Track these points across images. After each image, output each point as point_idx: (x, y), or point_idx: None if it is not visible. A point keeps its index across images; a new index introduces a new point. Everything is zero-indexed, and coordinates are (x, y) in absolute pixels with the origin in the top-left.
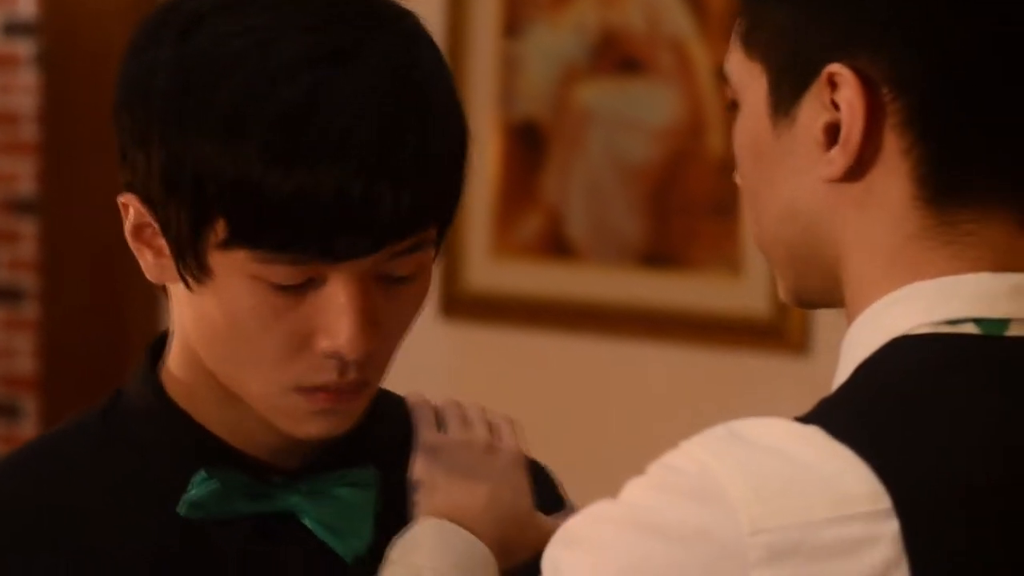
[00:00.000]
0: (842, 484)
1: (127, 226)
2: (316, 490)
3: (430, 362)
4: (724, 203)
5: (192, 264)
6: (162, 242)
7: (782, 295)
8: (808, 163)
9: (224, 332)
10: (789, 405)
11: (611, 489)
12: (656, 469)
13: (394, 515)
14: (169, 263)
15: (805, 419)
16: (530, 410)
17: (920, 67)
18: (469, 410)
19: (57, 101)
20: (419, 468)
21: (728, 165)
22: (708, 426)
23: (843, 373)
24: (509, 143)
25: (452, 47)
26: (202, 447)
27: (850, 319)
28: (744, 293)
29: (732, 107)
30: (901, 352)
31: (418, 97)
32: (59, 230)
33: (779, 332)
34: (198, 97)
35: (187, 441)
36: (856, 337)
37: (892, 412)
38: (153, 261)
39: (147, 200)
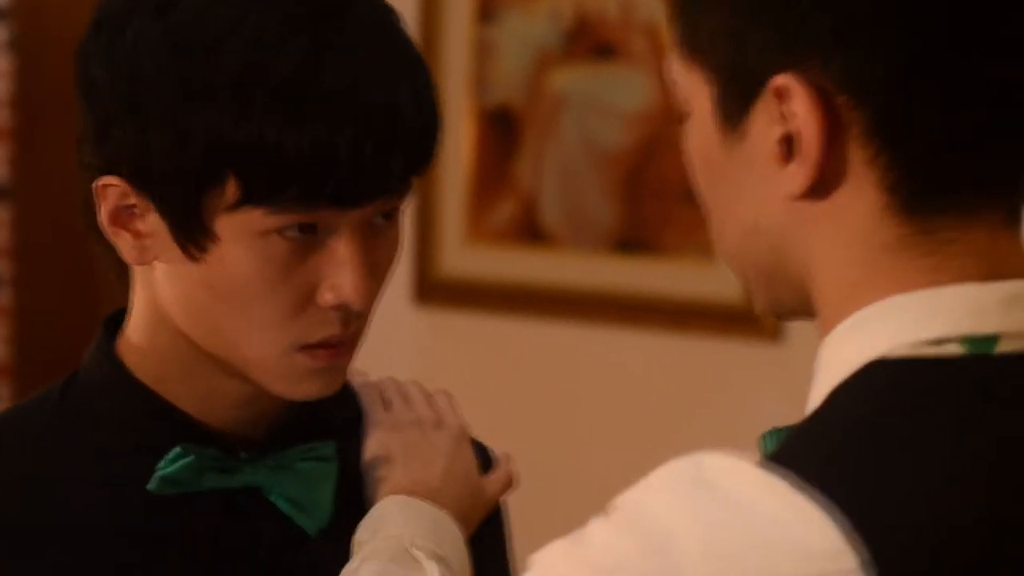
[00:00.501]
0: (807, 541)
1: (104, 210)
2: (281, 464)
3: (403, 347)
4: None
5: (198, 232)
6: (143, 223)
7: (757, 309)
8: (766, 179)
9: (227, 298)
10: (762, 392)
11: (584, 473)
12: (619, 510)
13: (352, 489)
14: (152, 242)
15: (776, 458)
16: (504, 395)
17: (878, 72)
18: (409, 388)
19: (31, 86)
20: (374, 448)
21: None
22: (680, 412)
23: (817, 396)
24: (483, 129)
25: (426, 32)
26: (169, 422)
27: (823, 336)
28: (718, 279)
29: (683, 117)
30: (879, 379)
31: (407, 48)
32: (33, 216)
33: (752, 318)
34: (199, 65)
35: (151, 415)
36: (829, 357)
37: (867, 455)
38: (133, 243)
39: (138, 177)
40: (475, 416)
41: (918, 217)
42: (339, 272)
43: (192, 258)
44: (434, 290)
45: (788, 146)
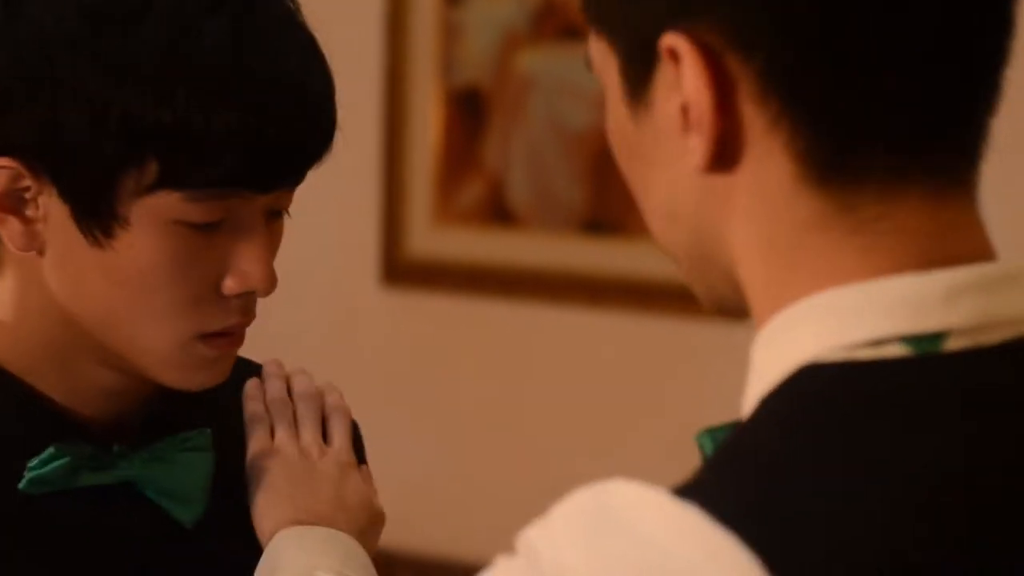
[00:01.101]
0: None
1: None
2: (154, 457)
3: (371, 329)
4: None
5: (106, 216)
6: (34, 207)
7: (701, 303)
8: (673, 154)
9: (127, 286)
10: (730, 372)
11: (552, 454)
12: (520, 549)
13: (229, 478)
14: (43, 228)
15: (691, 486)
16: (472, 376)
17: (765, 26)
18: (300, 403)
19: None
20: (258, 481)
21: None
22: (648, 392)
23: (748, 403)
24: (450, 110)
25: (394, 15)
26: (40, 415)
27: (756, 328)
28: None
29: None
30: (808, 387)
31: (309, 34)
32: None
33: None
34: (117, 44)
35: (20, 408)
36: (759, 360)
37: (786, 487)
38: (21, 229)
39: (39, 159)
40: (443, 397)
41: (835, 189)
42: (246, 260)
43: (95, 243)
44: (402, 271)
45: (687, 119)
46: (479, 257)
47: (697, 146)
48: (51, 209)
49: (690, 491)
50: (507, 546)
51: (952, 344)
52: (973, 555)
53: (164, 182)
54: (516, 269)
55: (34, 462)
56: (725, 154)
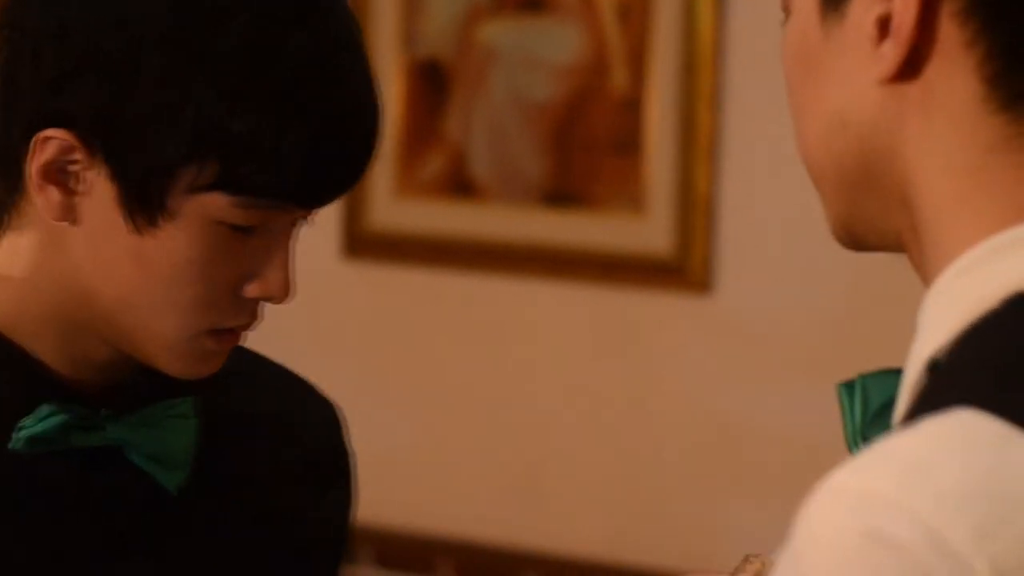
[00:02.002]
0: None
1: (37, 162)
2: (141, 422)
3: (333, 301)
4: (627, 141)
5: (154, 206)
6: (81, 181)
7: (831, 229)
8: (860, 64)
9: (156, 276)
10: (692, 343)
11: (514, 426)
12: (856, 537)
13: (215, 446)
14: (84, 203)
15: (949, 404)
16: (433, 348)
17: None
18: None
19: None
20: None
21: (631, 102)
22: (610, 365)
23: (936, 336)
24: (412, 83)
25: None
26: (34, 379)
27: (929, 258)
28: (647, 232)
29: (785, 15)
30: None
31: (368, 56)
32: None
33: (681, 271)
34: (201, 40)
35: (16, 371)
36: (954, 290)
37: None
38: (60, 200)
39: (95, 135)
40: (405, 370)
41: (1021, 116)
42: (270, 268)
43: (135, 230)
44: (363, 243)
45: (885, 27)
46: (441, 230)
47: (889, 54)
48: (96, 187)
49: (956, 398)
50: (469, 516)
51: None
52: None
53: (221, 185)
54: (478, 241)
55: (28, 419)
56: (915, 67)
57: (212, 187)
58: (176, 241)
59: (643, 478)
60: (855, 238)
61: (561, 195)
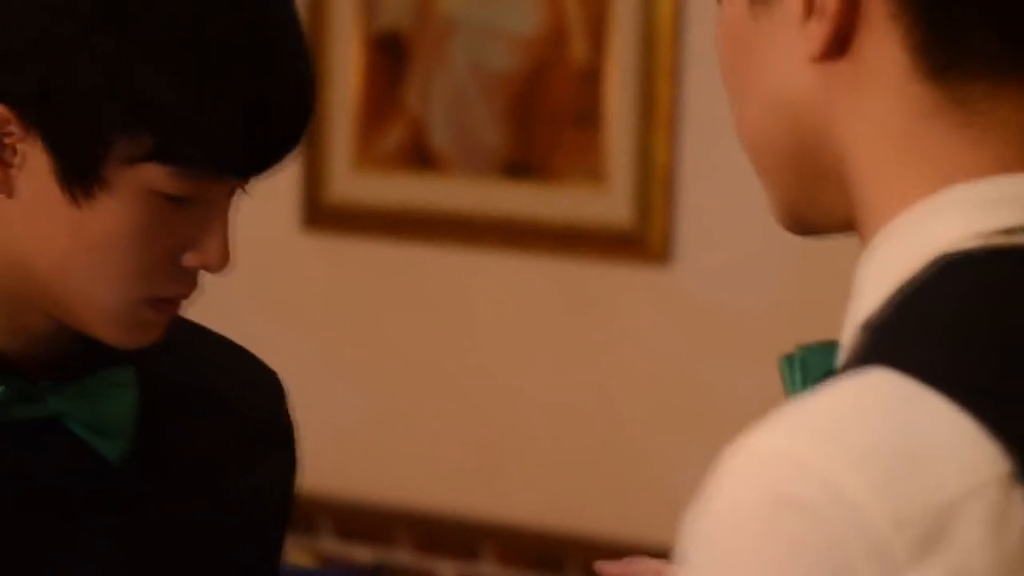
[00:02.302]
0: (960, 450)
1: None
2: (81, 393)
3: (292, 274)
4: (587, 113)
5: (91, 178)
6: (15, 155)
7: (775, 213)
8: (789, 44)
9: (94, 247)
10: (651, 314)
11: (475, 397)
12: (767, 497)
13: (154, 415)
14: (19, 176)
15: (866, 364)
16: (393, 320)
17: None
18: None
19: None
20: None
21: (590, 74)
22: (570, 336)
23: (869, 302)
24: (371, 54)
25: None
26: None
27: (864, 228)
28: (606, 203)
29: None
30: (960, 270)
31: (303, 31)
32: None
33: (641, 242)
34: (136, 14)
35: None
36: (885, 256)
37: (977, 345)
38: None
39: (37, 111)
40: (365, 341)
41: (948, 83)
42: (207, 237)
43: (72, 202)
44: (323, 216)
45: (811, 6)
46: (400, 201)
47: (817, 32)
48: (31, 159)
49: (869, 359)
50: (428, 487)
51: None
52: None
53: (156, 156)
54: (438, 213)
55: None
56: (843, 43)
57: (147, 159)
58: (112, 212)
59: (602, 448)
60: (800, 221)
61: (521, 166)
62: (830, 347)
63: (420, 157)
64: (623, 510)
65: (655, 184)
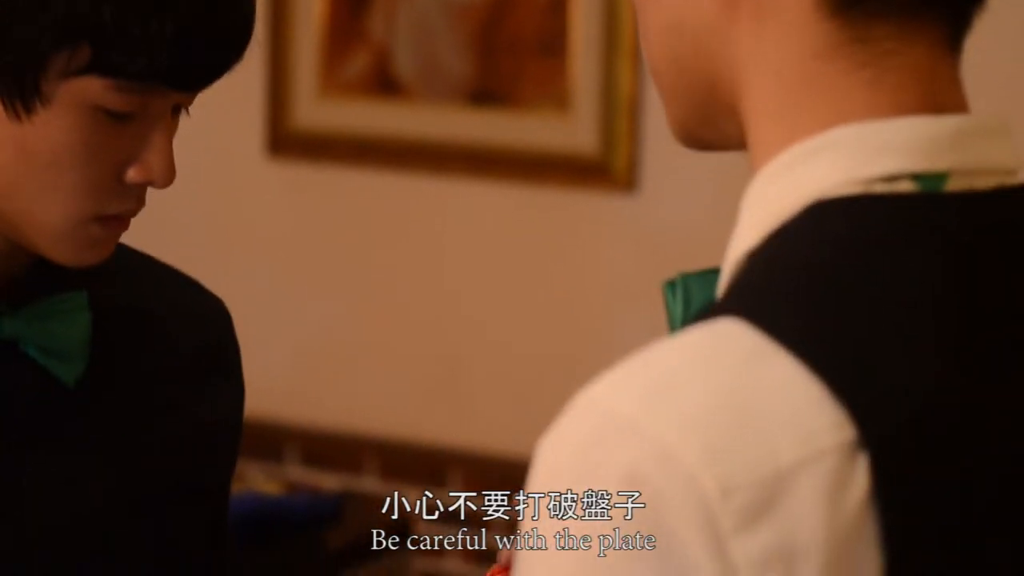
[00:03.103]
0: (801, 415)
1: None
2: (35, 316)
3: (257, 201)
4: (552, 41)
5: (30, 92)
6: None
7: (671, 129)
8: None
9: (37, 162)
10: (616, 242)
11: (439, 323)
12: (572, 442)
13: (108, 338)
14: None
15: (723, 310)
16: (358, 247)
17: None
18: None
19: None
20: None
21: (555, 2)
22: (535, 264)
23: (747, 237)
24: None
25: None
26: None
27: (754, 161)
28: (571, 131)
29: None
30: (833, 218)
31: None
32: None
33: (606, 170)
34: None
35: None
36: (765, 193)
37: (836, 303)
38: None
39: None
40: (329, 269)
41: (852, 20)
42: (152, 152)
43: (14, 117)
44: (288, 143)
45: None
46: (365, 128)
47: None
48: None
49: (726, 311)
50: (395, 415)
51: (952, 184)
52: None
53: (94, 68)
54: (402, 140)
55: None
56: None
57: (86, 71)
58: (54, 127)
59: (568, 376)
60: (693, 138)
61: (486, 94)
62: (712, 275)
63: (385, 84)
64: None
65: (620, 112)
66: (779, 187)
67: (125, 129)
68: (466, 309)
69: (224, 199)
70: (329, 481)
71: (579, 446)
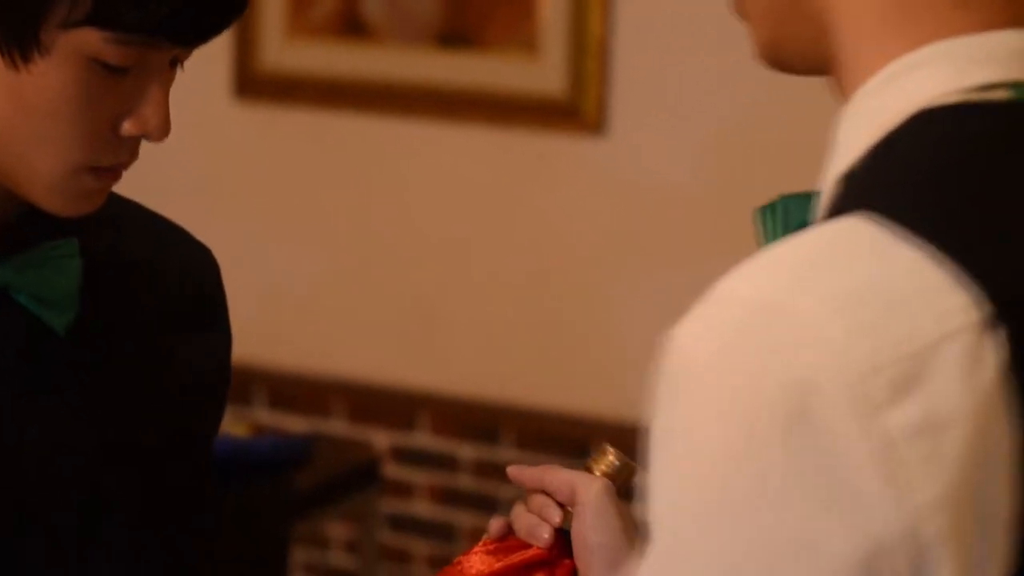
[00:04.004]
0: (933, 297)
1: None
2: (26, 263)
3: (224, 143)
4: None
5: (28, 41)
6: None
7: (756, 51)
8: None
9: (33, 111)
10: (585, 184)
11: (406, 265)
12: (716, 331)
13: (99, 287)
14: None
15: (840, 213)
16: (326, 190)
17: None
18: None
19: None
20: None
21: None
22: (503, 205)
23: (847, 155)
24: None
25: None
26: None
27: (845, 83)
28: (540, 73)
29: None
30: (940, 122)
31: None
32: None
33: (575, 112)
34: None
35: None
36: (867, 107)
37: (957, 194)
38: None
39: None
40: (297, 211)
41: None
42: (148, 106)
43: (11, 65)
44: (255, 85)
45: None
46: (333, 70)
47: None
48: None
49: (849, 207)
50: (362, 358)
51: None
52: None
53: (92, 20)
54: (370, 82)
55: None
56: None
57: (84, 23)
58: (51, 77)
59: (535, 317)
60: (780, 62)
61: (455, 36)
62: (808, 197)
63: (353, 26)
64: (557, 380)
65: (589, 54)
66: (882, 100)
67: (122, 82)
68: (434, 251)
69: (191, 142)
70: (297, 424)
71: (724, 334)
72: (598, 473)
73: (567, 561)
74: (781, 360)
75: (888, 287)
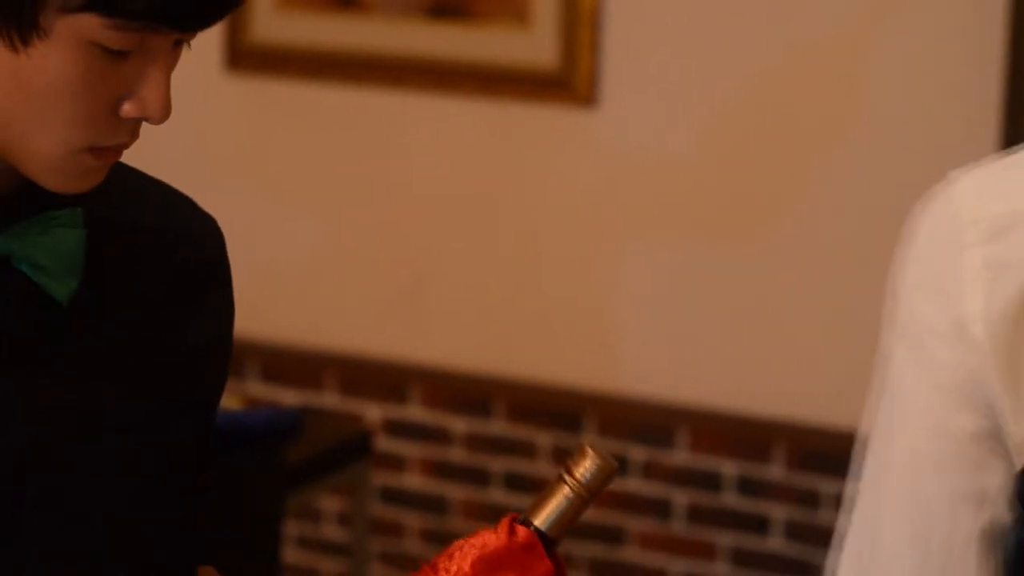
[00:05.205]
0: None
1: None
2: (29, 232)
3: (215, 115)
4: None
5: (28, 24)
6: None
7: None
8: None
9: (33, 93)
10: (576, 156)
11: (396, 238)
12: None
13: (101, 256)
14: None
15: None
16: (316, 163)
17: None
18: None
19: None
20: None
21: None
22: (495, 178)
23: None
24: None
25: None
26: None
27: None
28: (531, 45)
29: None
30: None
31: None
32: None
33: (566, 84)
34: None
35: None
36: None
37: None
38: None
39: None
40: (288, 184)
41: None
42: (149, 88)
43: (10, 47)
44: (246, 56)
45: None
46: (324, 42)
47: None
48: None
49: None
50: (354, 330)
51: None
52: None
53: (92, 5)
54: (361, 54)
55: None
56: None
57: (84, 8)
58: (51, 61)
59: (526, 289)
60: None
61: (445, 7)
62: None
63: None
64: (548, 353)
65: (580, 26)
66: None
67: (122, 64)
68: (426, 223)
69: (182, 114)
70: (289, 396)
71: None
72: (577, 476)
73: (546, 562)
74: (926, 219)
75: (1017, 176)
